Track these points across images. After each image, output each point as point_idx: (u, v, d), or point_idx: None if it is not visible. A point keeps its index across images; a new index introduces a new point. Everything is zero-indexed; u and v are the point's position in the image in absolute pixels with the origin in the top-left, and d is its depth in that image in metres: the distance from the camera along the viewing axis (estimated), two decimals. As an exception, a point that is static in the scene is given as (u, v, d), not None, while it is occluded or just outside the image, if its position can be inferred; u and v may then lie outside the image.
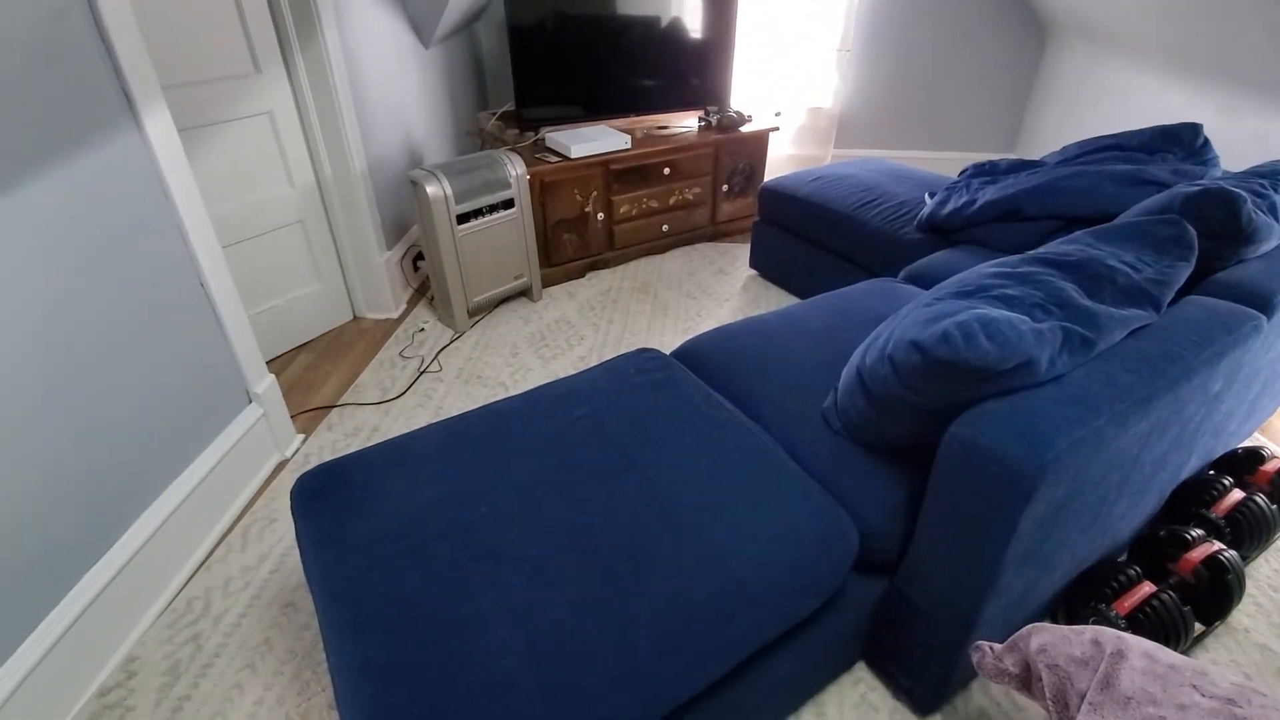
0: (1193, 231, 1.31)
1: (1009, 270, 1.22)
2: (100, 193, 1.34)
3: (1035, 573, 1.13)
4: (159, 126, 1.47)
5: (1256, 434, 1.97)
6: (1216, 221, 1.35)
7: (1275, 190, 1.46)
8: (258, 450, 1.82)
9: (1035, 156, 3.27)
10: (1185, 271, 1.28)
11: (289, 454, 1.93)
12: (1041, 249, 1.31)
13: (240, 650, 1.41)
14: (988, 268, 1.27)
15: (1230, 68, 2.30)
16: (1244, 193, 1.36)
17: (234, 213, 2.10)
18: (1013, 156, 2.53)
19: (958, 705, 1.29)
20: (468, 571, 1.01)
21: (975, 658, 1.06)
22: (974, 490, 0.96)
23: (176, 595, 1.53)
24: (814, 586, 1.05)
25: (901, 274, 1.99)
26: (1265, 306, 1.29)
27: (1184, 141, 1.93)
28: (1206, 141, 1.91)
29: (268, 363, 2.33)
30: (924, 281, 1.88)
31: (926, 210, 2.18)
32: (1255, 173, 1.55)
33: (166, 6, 1.80)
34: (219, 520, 1.69)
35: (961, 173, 2.28)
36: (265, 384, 1.84)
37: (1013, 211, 1.97)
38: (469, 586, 0.98)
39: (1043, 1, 3.30)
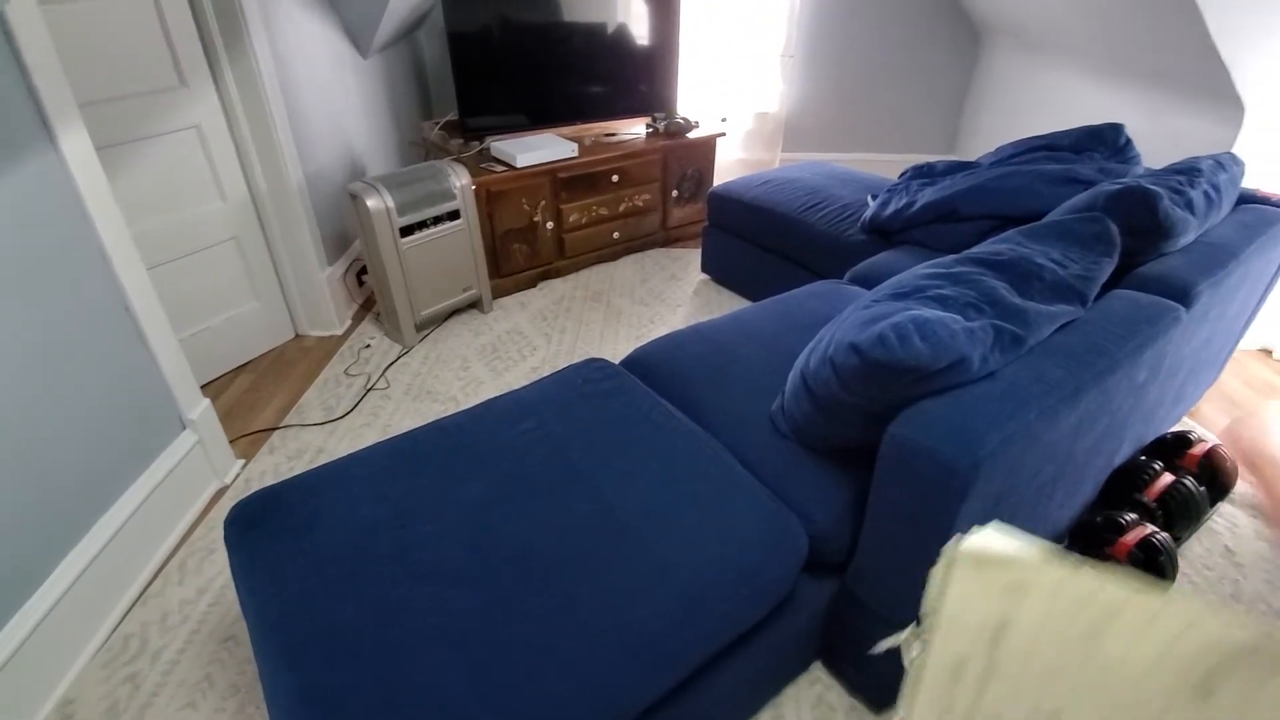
0: (1115, 228, 1.37)
1: (943, 271, 1.25)
2: (12, 215, 1.27)
3: (978, 566, 1.15)
4: (76, 145, 1.40)
5: (1185, 419, 2.07)
6: (1136, 218, 1.41)
7: (1192, 186, 1.53)
8: (194, 478, 1.75)
9: (972, 157, 3.38)
10: (1109, 267, 1.34)
11: (228, 480, 1.85)
12: (974, 249, 1.35)
13: (180, 688, 1.35)
14: (923, 269, 1.30)
15: (1149, 71, 2.42)
16: (1162, 190, 1.42)
17: (162, 231, 2.02)
18: (951, 158, 2.61)
19: (912, 699, 1.31)
20: (410, 593, 0.98)
21: (923, 653, 1.08)
22: (913, 488, 0.98)
23: (112, 632, 1.45)
24: (765, 590, 1.06)
25: (847, 275, 2.02)
26: (1184, 298, 1.35)
27: (1108, 141, 2.01)
28: (1129, 141, 1.99)
29: (206, 385, 2.24)
30: (868, 282, 1.92)
31: (869, 212, 2.22)
32: (1174, 170, 1.62)
33: (84, 20, 1.71)
34: (155, 553, 1.61)
35: (901, 175, 2.34)
36: (200, 409, 1.77)
37: (950, 212, 2.03)
38: (411, 608, 0.96)
39: (976, 7, 3.42)
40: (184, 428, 1.73)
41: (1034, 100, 3.25)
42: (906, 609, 1.10)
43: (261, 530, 1.11)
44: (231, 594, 1.54)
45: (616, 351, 2.42)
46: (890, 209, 2.15)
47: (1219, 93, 2.13)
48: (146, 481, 1.59)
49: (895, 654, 1.21)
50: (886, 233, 2.17)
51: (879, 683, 1.24)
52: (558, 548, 1.05)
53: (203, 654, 1.41)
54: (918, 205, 2.07)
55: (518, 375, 2.30)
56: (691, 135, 3.06)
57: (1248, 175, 2.14)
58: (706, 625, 1.00)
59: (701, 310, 2.71)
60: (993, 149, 2.33)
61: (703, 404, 1.40)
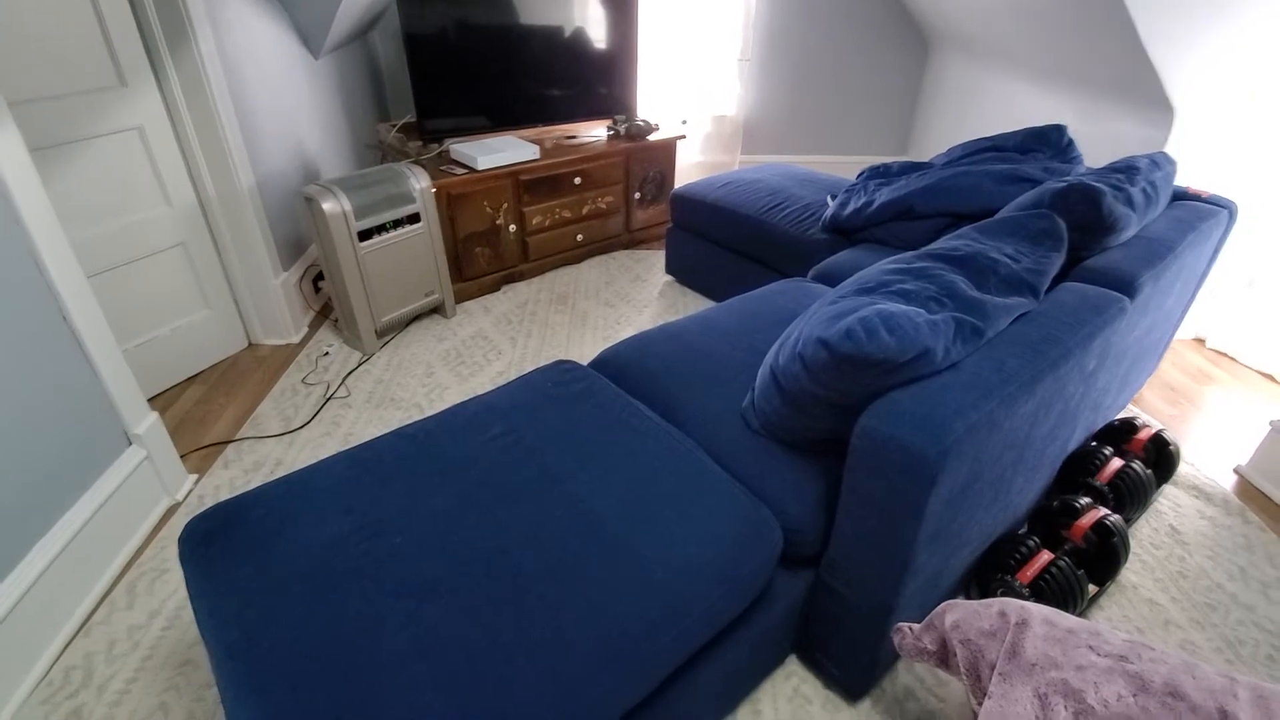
0: (1063, 224, 1.42)
1: (904, 266, 1.28)
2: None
3: (946, 552, 1.18)
4: (6, 145, 1.32)
5: (1130, 405, 2.17)
6: (1082, 214, 1.47)
7: (1131, 184, 1.60)
8: (142, 496, 1.66)
9: (925, 158, 3.48)
10: (1058, 261, 1.39)
11: (180, 497, 1.77)
12: (933, 245, 1.38)
13: None
14: (886, 264, 1.32)
15: (1085, 75, 2.53)
16: (1104, 187, 1.48)
17: (103, 237, 1.92)
18: (905, 159, 2.69)
19: (885, 687, 1.33)
20: (380, 608, 0.95)
21: (896, 639, 1.10)
22: (884, 477, 1.00)
23: (52, 666, 1.37)
24: (742, 586, 1.06)
25: (810, 273, 2.06)
26: (1128, 289, 1.42)
27: (1052, 141, 2.09)
28: (1071, 141, 2.08)
29: (153, 398, 2.14)
30: (831, 279, 1.95)
31: (829, 212, 2.26)
32: (1113, 168, 1.69)
33: (10, 13, 1.62)
34: (100, 577, 1.53)
35: (859, 175, 2.39)
36: (147, 423, 1.69)
37: (906, 210, 2.08)
38: (382, 624, 0.93)
39: (923, 14, 3.52)
40: (130, 443, 1.65)
41: (980, 103, 3.36)
42: (880, 597, 1.12)
43: (219, 546, 1.06)
44: (187, 615, 1.47)
45: (583, 354, 2.41)
46: (849, 208, 2.19)
47: (1150, 96, 2.24)
48: (89, 501, 1.51)
49: (870, 644, 1.22)
50: (846, 231, 2.21)
51: (854, 674, 1.25)
52: (532, 554, 1.03)
53: (156, 681, 1.34)
54: (876, 204, 2.12)
55: (483, 380, 2.26)
56: (652, 138, 3.08)
57: (1179, 173, 2.26)
58: (685, 625, 0.99)
59: (667, 311, 2.71)
60: (943, 150, 2.41)
61: (674, 403, 1.40)
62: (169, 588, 1.53)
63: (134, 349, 2.05)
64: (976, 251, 1.33)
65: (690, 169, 3.96)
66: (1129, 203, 1.57)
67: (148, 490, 1.68)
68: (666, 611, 0.97)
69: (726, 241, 2.57)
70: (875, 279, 1.25)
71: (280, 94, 2.43)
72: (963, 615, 1.02)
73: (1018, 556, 1.41)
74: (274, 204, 2.37)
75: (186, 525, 1.12)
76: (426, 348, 2.45)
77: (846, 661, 1.25)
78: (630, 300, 2.80)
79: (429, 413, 2.08)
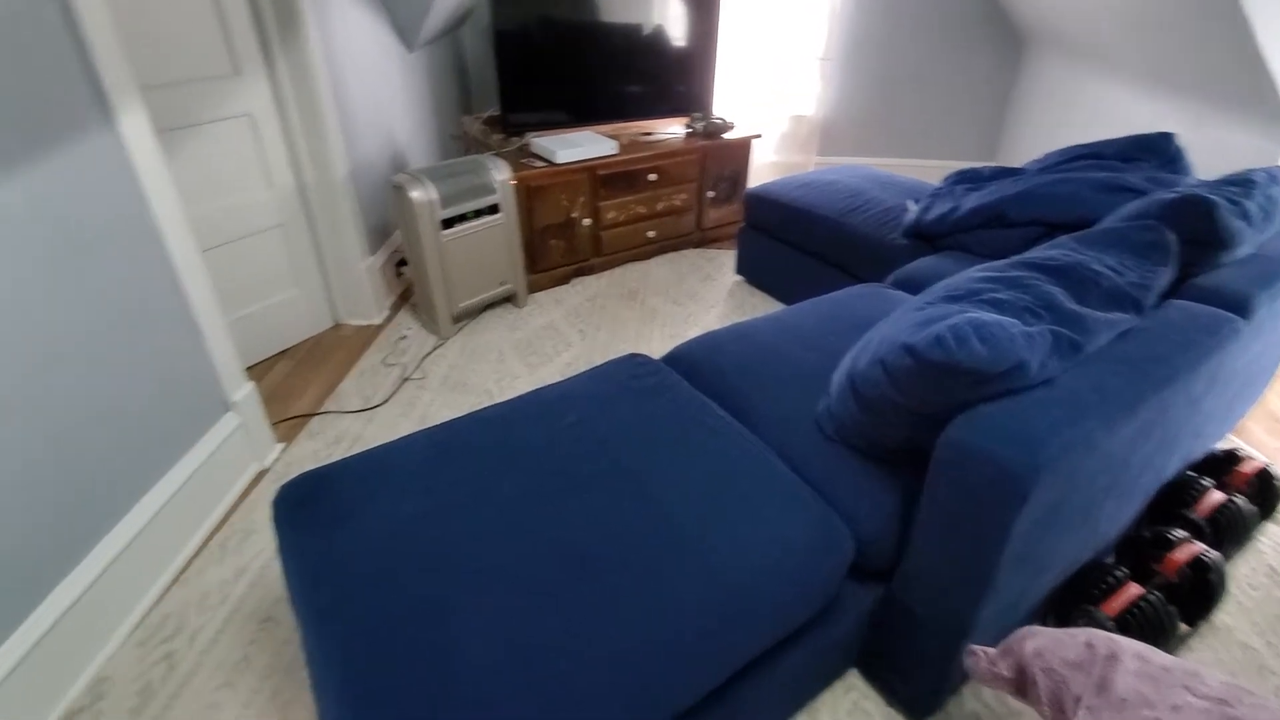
0: (1172, 236, 1.34)
1: (997, 275, 1.23)
2: (73, 193, 1.30)
3: (1028, 575, 1.13)
4: (135, 127, 1.43)
5: (1230, 435, 2.02)
6: (1195, 227, 1.37)
7: (1248, 198, 1.49)
8: (235, 460, 1.78)
9: (1014, 165, 3.33)
10: (1166, 276, 1.31)
11: (268, 463, 1.88)
12: (1028, 254, 1.32)
13: (217, 668, 1.37)
14: (976, 272, 1.28)
15: (1193, 82, 2.37)
16: (1219, 199, 1.39)
17: (211, 216, 2.06)
18: (993, 165, 2.58)
19: (950, 711, 1.29)
20: (455, 589, 0.97)
21: (969, 662, 1.06)
22: (969, 494, 0.96)
23: (150, 611, 1.48)
24: (810, 594, 1.05)
25: (889, 279, 2.00)
26: (1242, 310, 1.32)
27: (1158, 150, 1.97)
28: (1180, 150, 1.95)
29: (247, 370, 2.27)
30: (911, 286, 1.89)
31: (911, 216, 2.20)
32: (1228, 181, 1.58)
33: (142, 5, 1.75)
34: (195, 532, 1.64)
35: (945, 179, 2.31)
36: (243, 392, 1.80)
37: (996, 217, 2.00)
38: (457, 605, 0.95)
39: (1019, 14, 3.37)
40: (227, 409, 1.76)
41: (1076, 109, 3.19)
42: (955, 617, 1.08)
43: (309, 513, 1.12)
44: (271, 575, 1.56)
45: (651, 350, 2.42)
46: (934, 213, 2.12)
47: (1267, 105, 2.07)
48: (190, 461, 1.62)
49: (939, 664, 1.18)
50: (929, 237, 2.14)
51: (920, 693, 1.22)
52: (602, 545, 1.04)
53: (241, 635, 1.43)
54: (964, 210, 2.05)
55: (552, 370, 2.30)
56: (728, 136, 3.06)
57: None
58: (750, 627, 0.99)
59: (736, 311, 2.69)
60: (1035, 157, 2.30)
61: (746, 403, 1.39)
62: (255, 548, 1.63)
63: (232, 322, 2.19)
64: (1076, 262, 1.26)
65: (764, 169, 3.92)
66: (1245, 217, 1.46)
67: (240, 455, 1.79)
68: (734, 610, 0.97)
69: (801, 243, 2.53)
70: (965, 287, 1.21)
71: (375, 85, 2.54)
72: (1046, 643, 0.97)
73: (1103, 587, 1.34)
74: (364, 190, 2.48)
75: (280, 490, 1.18)
76: (499, 336, 2.51)
77: (912, 680, 1.21)
78: (699, 299, 2.79)
79: (499, 399, 2.14)
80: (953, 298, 1.18)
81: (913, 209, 2.24)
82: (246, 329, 2.24)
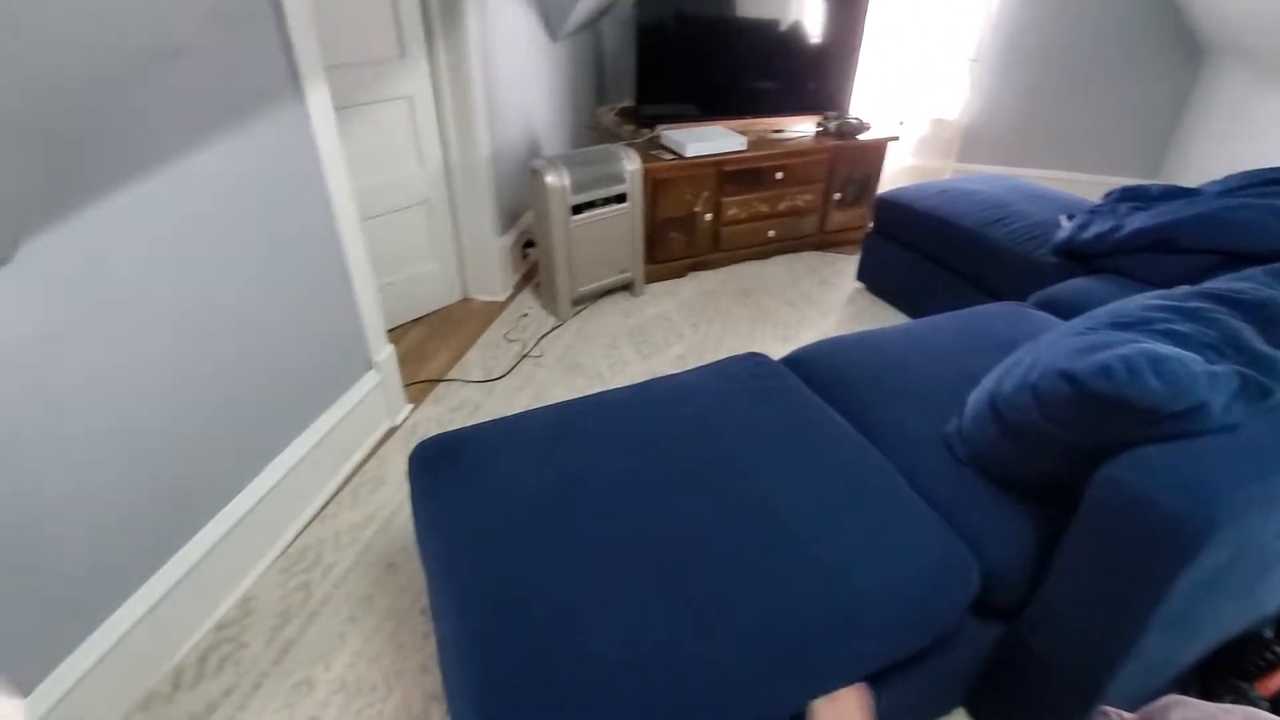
0: (1397, 278, 1.16)
1: (1174, 304, 1.12)
2: (261, 156, 1.43)
3: (1179, 639, 1.03)
4: (319, 102, 1.57)
5: None
6: None
7: None
8: (372, 415, 1.93)
9: (1181, 185, 3.00)
10: (1385, 323, 1.14)
11: (398, 421, 2.03)
12: (1210, 284, 1.19)
13: (345, 602, 1.50)
14: (1148, 299, 1.17)
15: None
16: None
17: (367, 190, 2.23)
18: (1158, 183, 2.31)
19: (1067, 767, 1.20)
20: (577, 563, 1.00)
21: (1101, 721, 0.98)
22: (1127, 541, 0.89)
23: (292, 543, 1.64)
24: (928, 620, 1.00)
25: (1031, 298, 1.87)
26: None
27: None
28: None
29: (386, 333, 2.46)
30: (1058, 308, 1.75)
31: (1064, 233, 2.03)
32: None
33: (328, -8, 1.91)
34: (333, 477, 1.80)
35: (1107, 195, 2.11)
36: (385, 353, 1.95)
37: (1165, 241, 1.81)
38: (578, 579, 0.98)
39: (1201, 23, 3.01)
40: (370, 367, 1.91)
41: (1262, 130, 2.82)
42: (1089, 672, 1.00)
43: (441, 471, 1.20)
44: (396, 524, 1.69)
45: (763, 350, 2.37)
46: (1091, 231, 1.95)
47: None
48: (335, 412, 1.77)
49: (1058, 715, 1.10)
50: (1083, 257, 1.98)
51: (1034, 741, 1.14)
52: (715, 539, 1.04)
53: (367, 576, 1.56)
54: (1127, 230, 1.87)
55: (663, 361, 2.33)
56: (862, 138, 2.95)
57: None
58: (862, 644, 0.96)
59: (854, 319, 2.61)
60: (1205, 179, 2.05)
61: (868, 414, 1.35)
62: (383, 497, 1.77)
63: (379, 288, 2.36)
64: (1268, 298, 1.12)
65: (897, 174, 3.75)
66: None
67: (376, 411, 1.95)
68: (846, 624, 0.95)
69: (934, 254, 2.41)
70: (1135, 314, 1.11)
71: (521, 72, 2.65)
72: (1196, 716, 0.88)
73: (1261, 663, 1.20)
74: (501, 173, 2.60)
75: (416, 447, 1.27)
76: (614, 322, 2.57)
77: (1029, 727, 1.14)
78: (815, 303, 2.72)
79: (610, 383, 2.19)
80: (1120, 325, 1.09)
81: (1066, 225, 2.08)
82: (388, 296, 2.42)
